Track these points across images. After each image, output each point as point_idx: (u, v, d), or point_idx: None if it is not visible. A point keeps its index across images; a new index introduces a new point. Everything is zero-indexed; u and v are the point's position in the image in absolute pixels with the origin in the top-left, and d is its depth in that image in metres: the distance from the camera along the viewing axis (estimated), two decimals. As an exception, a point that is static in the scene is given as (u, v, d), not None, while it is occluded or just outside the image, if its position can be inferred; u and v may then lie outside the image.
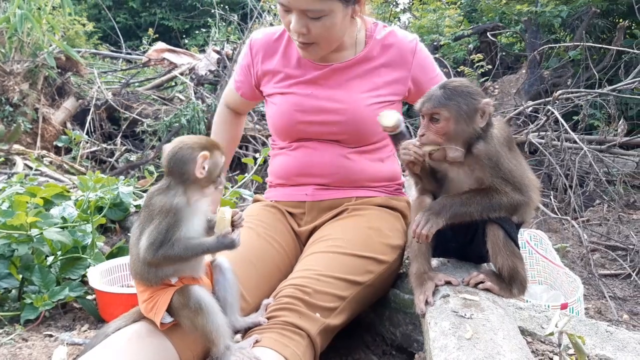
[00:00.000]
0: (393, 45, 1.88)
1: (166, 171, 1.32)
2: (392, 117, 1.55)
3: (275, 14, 6.75)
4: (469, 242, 1.53)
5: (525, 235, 2.54)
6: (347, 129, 1.82)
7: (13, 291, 2.18)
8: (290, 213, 1.93)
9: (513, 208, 1.40)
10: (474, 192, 1.41)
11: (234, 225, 1.34)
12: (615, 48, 4.52)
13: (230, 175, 4.74)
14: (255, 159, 3.46)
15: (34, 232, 2.14)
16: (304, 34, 1.70)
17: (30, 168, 4.42)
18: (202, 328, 1.29)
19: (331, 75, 1.86)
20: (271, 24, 6.62)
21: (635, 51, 4.00)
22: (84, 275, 2.22)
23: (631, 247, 3.29)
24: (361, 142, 1.86)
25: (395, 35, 1.89)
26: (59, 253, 2.25)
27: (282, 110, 1.89)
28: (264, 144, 5.15)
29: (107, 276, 2.18)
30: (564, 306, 1.96)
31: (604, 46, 4.87)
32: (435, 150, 1.40)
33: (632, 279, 3.03)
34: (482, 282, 1.42)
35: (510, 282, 1.43)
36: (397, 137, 1.56)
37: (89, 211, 2.43)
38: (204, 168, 1.29)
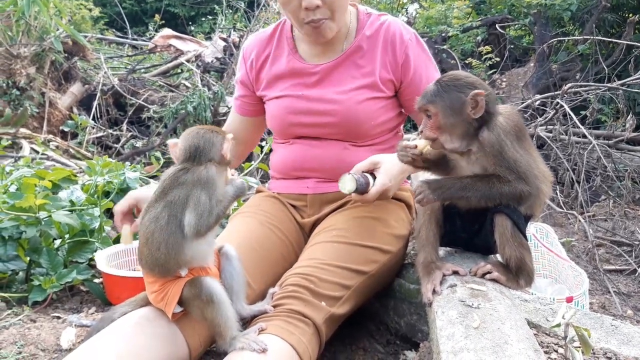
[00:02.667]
0: (386, 38, 1.81)
1: (187, 156, 1.34)
2: (348, 184, 1.56)
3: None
4: (476, 232, 1.53)
5: (531, 228, 2.54)
6: (340, 129, 1.80)
7: (20, 273, 2.19)
8: (292, 205, 1.91)
9: (516, 198, 1.38)
10: (476, 177, 1.40)
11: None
12: (625, 42, 4.47)
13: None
14: (261, 147, 3.44)
15: (43, 214, 2.15)
16: (319, 5, 1.66)
17: (37, 152, 4.43)
18: (211, 319, 1.30)
19: (322, 76, 1.83)
20: (278, 13, 6.58)
21: (646, 46, 3.96)
22: (91, 259, 2.24)
23: (636, 242, 3.29)
24: (358, 139, 1.82)
25: (389, 29, 1.82)
26: (66, 236, 2.26)
27: (274, 114, 1.88)
28: (269, 133, 5.12)
29: (114, 260, 2.19)
30: (569, 299, 1.96)
31: (613, 40, 4.81)
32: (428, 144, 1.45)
33: (636, 274, 3.03)
34: (489, 273, 1.42)
35: (518, 273, 1.43)
36: (359, 192, 1.59)
37: (96, 195, 2.44)
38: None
